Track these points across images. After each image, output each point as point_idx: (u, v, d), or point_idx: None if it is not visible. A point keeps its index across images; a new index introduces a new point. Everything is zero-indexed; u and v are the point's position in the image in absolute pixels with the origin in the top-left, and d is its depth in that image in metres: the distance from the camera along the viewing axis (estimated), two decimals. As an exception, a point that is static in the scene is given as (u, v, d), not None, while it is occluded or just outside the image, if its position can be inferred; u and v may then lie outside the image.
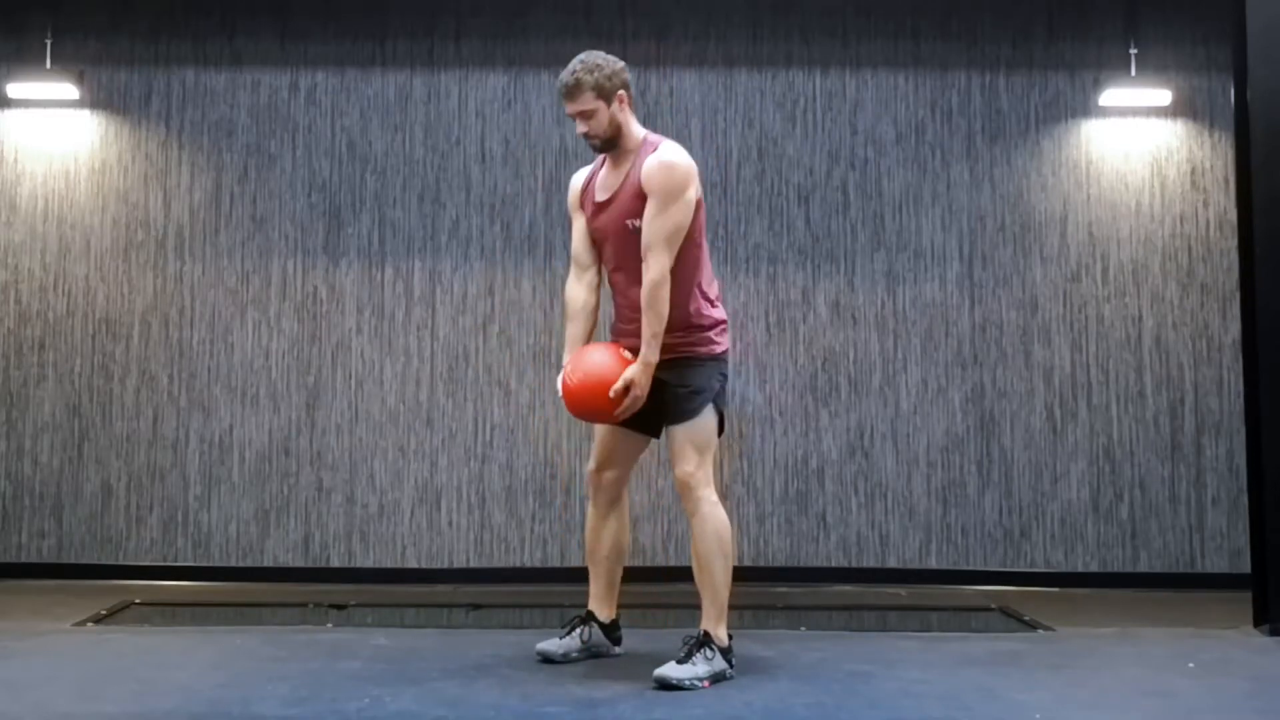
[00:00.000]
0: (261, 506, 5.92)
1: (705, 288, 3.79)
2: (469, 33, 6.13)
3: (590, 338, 3.88)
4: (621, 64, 3.78)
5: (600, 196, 3.83)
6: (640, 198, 3.69)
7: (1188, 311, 6.02)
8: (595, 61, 3.73)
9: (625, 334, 3.80)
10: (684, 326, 3.72)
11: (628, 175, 3.75)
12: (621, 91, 3.74)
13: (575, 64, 3.74)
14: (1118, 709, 3.45)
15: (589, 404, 3.68)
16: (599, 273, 3.92)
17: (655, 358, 3.64)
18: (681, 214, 3.67)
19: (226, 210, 6.05)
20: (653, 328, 3.63)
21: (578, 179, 3.98)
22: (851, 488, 5.95)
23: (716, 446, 3.80)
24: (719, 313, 3.83)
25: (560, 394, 3.75)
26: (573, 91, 3.72)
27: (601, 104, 3.71)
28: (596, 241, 3.87)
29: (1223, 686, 3.70)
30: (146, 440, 5.94)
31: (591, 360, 3.71)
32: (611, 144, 3.78)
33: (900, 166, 6.09)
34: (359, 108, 6.11)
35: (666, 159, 3.70)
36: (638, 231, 3.69)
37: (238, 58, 6.12)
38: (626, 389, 3.61)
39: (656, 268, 3.63)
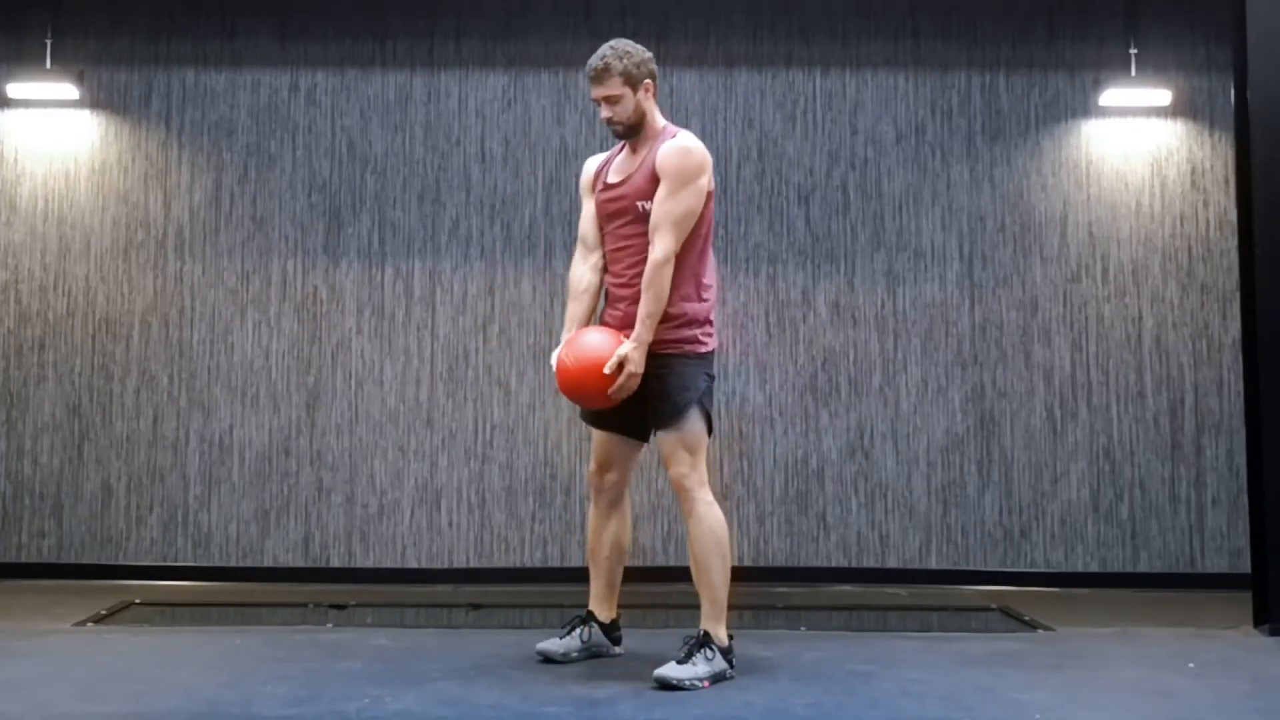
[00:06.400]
0: (261, 506, 5.92)
1: (703, 283, 3.79)
2: (469, 33, 6.13)
3: (591, 318, 3.90)
4: (650, 54, 3.83)
5: (613, 178, 3.86)
6: (654, 181, 3.72)
7: (1188, 311, 6.02)
8: (625, 49, 3.79)
9: (615, 319, 3.80)
10: (675, 318, 3.71)
11: (644, 159, 3.79)
12: (648, 80, 3.80)
13: (605, 49, 3.79)
14: (1118, 709, 3.44)
15: (583, 385, 3.66)
16: (604, 255, 3.92)
17: (650, 337, 3.65)
18: (692, 199, 3.70)
19: (226, 210, 6.06)
20: (649, 307, 3.64)
21: (592, 162, 4.02)
22: (851, 488, 5.95)
23: (709, 445, 3.80)
24: (711, 310, 3.81)
25: (554, 372, 3.75)
26: (601, 75, 3.77)
27: (628, 90, 3.76)
28: (602, 222, 3.88)
29: (1223, 686, 3.70)
30: (146, 440, 5.94)
31: (588, 341, 3.70)
32: (634, 131, 3.82)
33: (900, 166, 6.09)
34: (359, 108, 6.11)
35: (684, 144, 3.75)
36: (647, 214, 3.71)
37: (238, 58, 6.12)
38: (620, 366, 3.61)
39: (662, 248, 3.66)
